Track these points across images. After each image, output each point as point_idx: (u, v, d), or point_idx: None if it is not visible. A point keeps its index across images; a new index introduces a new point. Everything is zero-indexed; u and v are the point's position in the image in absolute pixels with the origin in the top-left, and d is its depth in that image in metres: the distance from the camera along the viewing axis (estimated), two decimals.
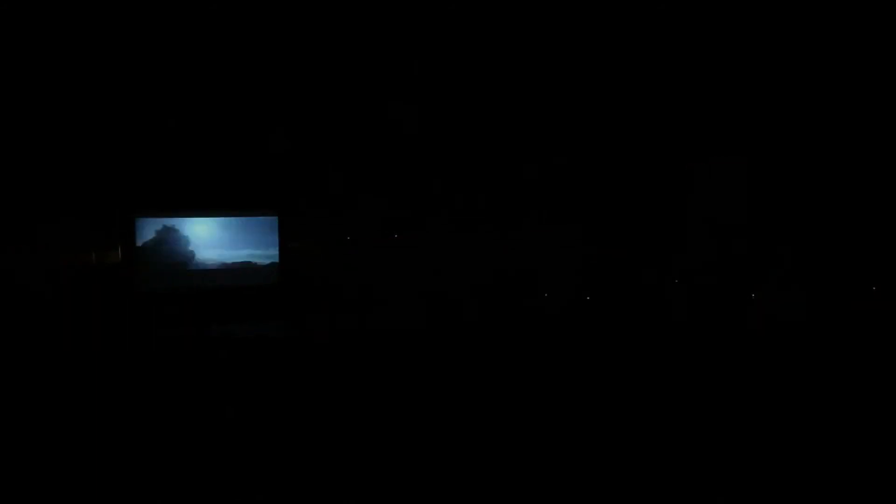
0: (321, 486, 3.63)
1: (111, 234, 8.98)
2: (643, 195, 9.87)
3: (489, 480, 3.65)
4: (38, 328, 7.65)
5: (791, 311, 8.01)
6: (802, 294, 8.27)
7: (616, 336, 7.62)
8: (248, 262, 9.59)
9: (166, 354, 7.04)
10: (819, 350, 6.50)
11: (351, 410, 4.88)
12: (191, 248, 9.34)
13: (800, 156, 8.90)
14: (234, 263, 9.50)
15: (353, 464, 3.88)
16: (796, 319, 7.78)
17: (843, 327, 7.36)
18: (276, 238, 9.68)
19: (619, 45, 7.82)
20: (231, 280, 9.43)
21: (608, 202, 9.97)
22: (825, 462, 3.78)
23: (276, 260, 9.65)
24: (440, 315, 8.74)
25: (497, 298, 9.24)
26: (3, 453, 4.09)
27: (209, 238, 9.45)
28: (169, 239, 9.26)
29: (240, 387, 5.61)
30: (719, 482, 3.59)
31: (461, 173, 9.82)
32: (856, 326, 7.36)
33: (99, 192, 8.87)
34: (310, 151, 9.49)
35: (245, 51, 7.73)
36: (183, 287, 9.15)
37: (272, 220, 9.67)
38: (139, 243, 9.09)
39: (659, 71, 8.29)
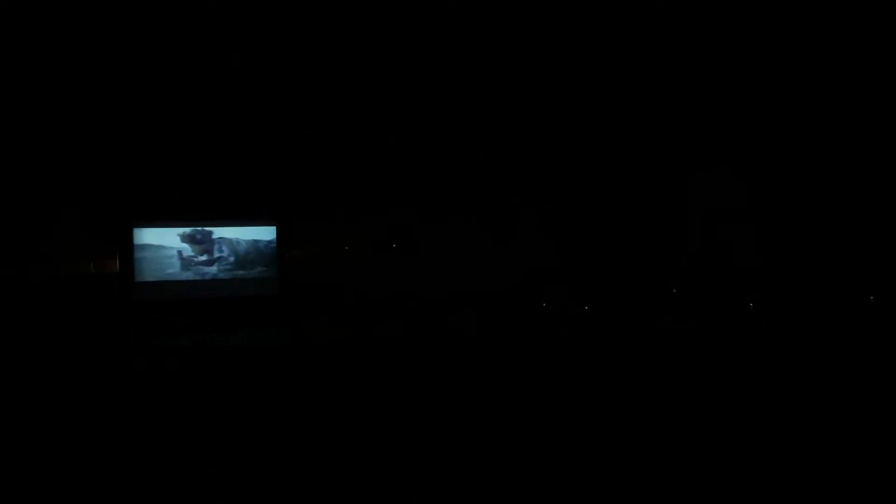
0: (319, 494, 3.62)
1: (109, 243, 8.99)
2: (642, 200, 9.91)
3: (487, 485, 3.64)
4: (36, 335, 7.63)
5: (789, 318, 8.01)
6: (802, 301, 8.28)
7: (615, 342, 7.61)
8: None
9: (164, 363, 7.02)
10: (818, 355, 6.50)
11: (349, 419, 4.87)
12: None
13: (798, 164, 8.94)
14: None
15: (351, 471, 3.87)
16: (794, 326, 7.78)
17: (843, 334, 7.36)
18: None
19: (617, 53, 7.87)
20: (230, 289, 9.44)
21: (608, 206, 10.00)
22: (825, 464, 3.79)
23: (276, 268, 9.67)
24: (439, 322, 8.73)
25: (496, 305, 9.24)
26: (2, 459, 4.09)
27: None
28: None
29: (237, 396, 5.60)
30: (719, 483, 3.60)
31: (459, 180, 9.86)
32: (855, 333, 7.37)
33: (97, 201, 8.88)
34: (308, 161, 9.51)
35: (244, 61, 7.75)
36: (182, 296, 9.15)
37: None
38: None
39: (659, 76, 8.33)
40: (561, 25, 7.33)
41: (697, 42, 7.64)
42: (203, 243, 9.36)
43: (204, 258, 9.35)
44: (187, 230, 9.28)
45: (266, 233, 9.67)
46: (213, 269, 9.39)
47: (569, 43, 7.69)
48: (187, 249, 9.29)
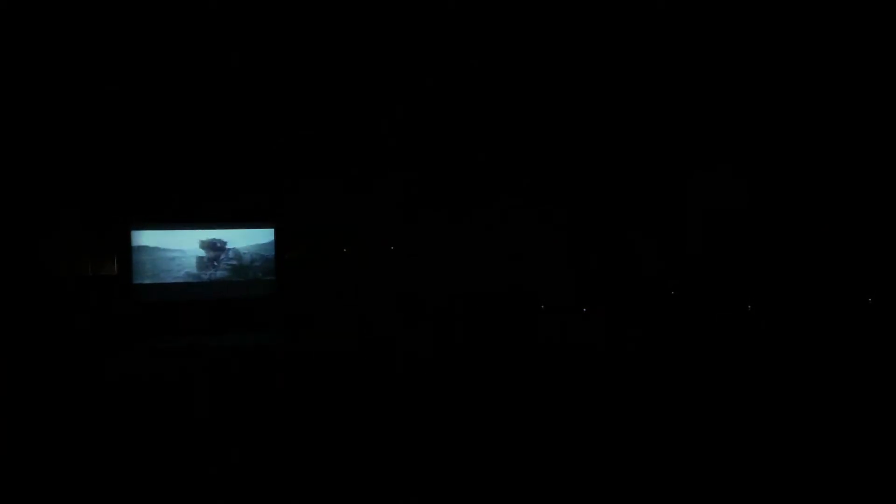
0: (319, 495, 3.62)
1: (109, 244, 9.00)
2: (643, 200, 9.91)
3: (486, 485, 3.64)
4: (36, 335, 7.64)
5: (788, 318, 8.02)
6: (801, 301, 8.28)
7: (614, 342, 7.62)
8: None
9: (163, 363, 7.02)
10: (818, 355, 6.50)
11: (349, 419, 4.87)
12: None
13: (798, 164, 8.95)
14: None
15: (351, 472, 3.87)
16: (794, 326, 7.79)
17: (842, 334, 7.37)
18: None
19: (617, 53, 7.88)
20: (229, 291, 9.44)
21: (608, 206, 10.01)
22: (824, 463, 3.79)
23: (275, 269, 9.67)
24: (437, 323, 8.73)
25: (496, 305, 9.24)
26: (2, 459, 4.09)
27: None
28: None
29: (237, 396, 5.60)
30: (719, 483, 3.60)
31: (459, 180, 9.86)
32: (854, 333, 7.37)
33: (96, 202, 8.89)
34: (307, 161, 9.51)
35: (244, 62, 7.76)
36: (180, 298, 9.15)
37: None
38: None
39: (659, 77, 8.34)
40: (561, 26, 7.34)
41: (697, 42, 7.66)
42: (220, 250, 9.40)
43: (216, 264, 9.39)
44: (205, 238, 9.34)
45: (264, 235, 9.66)
46: (215, 272, 9.40)
47: (569, 43, 7.70)
48: (200, 253, 9.34)
